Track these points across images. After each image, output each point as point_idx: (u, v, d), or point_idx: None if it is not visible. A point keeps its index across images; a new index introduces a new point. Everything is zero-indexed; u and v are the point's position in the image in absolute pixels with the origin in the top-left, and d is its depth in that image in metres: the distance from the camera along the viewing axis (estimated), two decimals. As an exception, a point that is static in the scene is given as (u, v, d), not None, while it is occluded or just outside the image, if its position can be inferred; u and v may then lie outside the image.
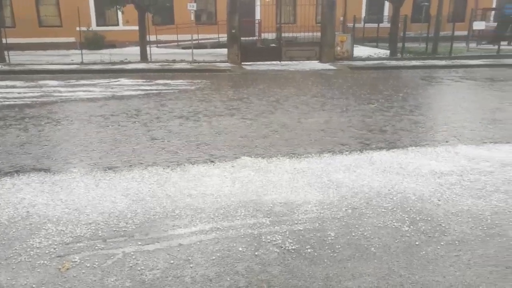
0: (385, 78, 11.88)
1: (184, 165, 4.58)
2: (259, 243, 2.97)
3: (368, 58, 15.93)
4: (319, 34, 15.44)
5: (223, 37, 17.44)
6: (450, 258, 2.78)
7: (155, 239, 3.03)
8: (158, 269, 2.67)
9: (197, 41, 19.25)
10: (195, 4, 14.54)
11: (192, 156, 4.90)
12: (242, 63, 14.75)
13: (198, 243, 2.97)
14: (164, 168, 4.46)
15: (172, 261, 2.75)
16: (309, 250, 2.87)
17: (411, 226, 3.20)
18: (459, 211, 3.46)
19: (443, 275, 2.60)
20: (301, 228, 3.17)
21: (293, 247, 2.91)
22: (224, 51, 15.73)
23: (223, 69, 13.46)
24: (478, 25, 18.05)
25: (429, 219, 3.32)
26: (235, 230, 3.14)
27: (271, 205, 3.56)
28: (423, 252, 2.85)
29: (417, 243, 2.97)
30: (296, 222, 3.27)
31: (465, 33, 18.92)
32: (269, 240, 3.00)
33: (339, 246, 2.92)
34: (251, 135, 5.80)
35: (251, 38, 20.24)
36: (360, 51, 17.82)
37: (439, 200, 3.66)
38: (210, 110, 7.42)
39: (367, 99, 8.46)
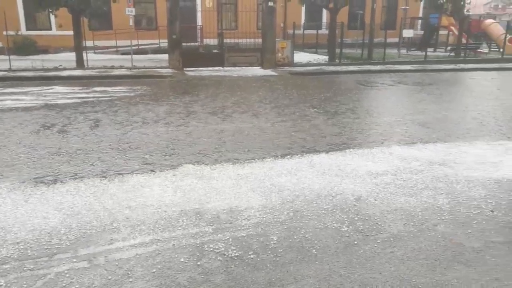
0: (325, 83, 12.29)
1: (123, 175, 4.41)
2: (201, 252, 2.92)
3: (308, 64, 16.41)
4: (260, 40, 15.66)
5: (164, 43, 17.09)
6: (386, 255, 2.91)
7: (91, 255, 2.87)
8: (94, 287, 2.53)
9: (137, 47, 18.73)
10: (133, 9, 14.15)
11: (132, 166, 4.73)
12: (184, 69, 14.57)
13: (138, 256, 2.87)
14: (101, 179, 4.27)
15: (110, 277, 2.63)
16: (252, 256, 2.88)
17: (350, 226, 3.32)
18: (394, 209, 3.64)
19: (380, 271, 2.71)
20: (244, 234, 3.17)
21: (236, 254, 2.90)
22: (166, 57, 15.44)
23: (164, 75, 13.20)
24: (407, 33, 19.30)
25: (366, 218, 3.46)
26: (177, 241, 3.07)
27: (214, 213, 3.52)
28: (361, 251, 2.96)
29: (355, 242, 3.08)
30: (239, 228, 3.26)
31: (396, 40, 20.11)
32: (211, 249, 2.96)
33: (282, 250, 2.95)
34: (194, 142, 5.72)
35: (193, 43, 20.08)
36: (301, 57, 18.31)
37: (375, 200, 3.83)
38: (151, 117, 7.23)
39: (308, 104, 8.69)
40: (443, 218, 3.48)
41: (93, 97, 9.30)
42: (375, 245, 3.04)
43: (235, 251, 2.93)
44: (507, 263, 2.82)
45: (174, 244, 3.01)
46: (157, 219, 3.39)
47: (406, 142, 5.78)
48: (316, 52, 20.43)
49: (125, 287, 2.53)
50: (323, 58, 17.99)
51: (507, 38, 20.20)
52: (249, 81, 12.43)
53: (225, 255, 2.89)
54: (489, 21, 24.03)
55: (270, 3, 15.10)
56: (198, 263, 2.79)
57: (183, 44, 14.96)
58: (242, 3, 16.37)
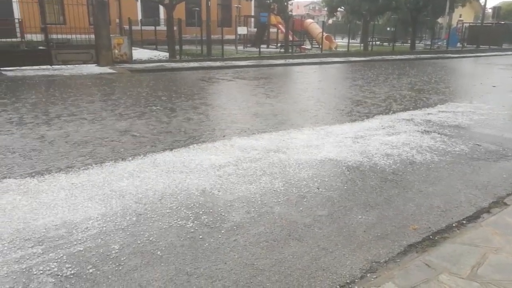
0: (166, 80, 12.13)
1: None
2: (29, 277, 2.55)
3: (149, 61, 15.96)
4: (94, 36, 14.52)
5: (-29, 39, 14.44)
6: (230, 244, 3.02)
7: None
8: None
9: None
10: None
11: None
12: (1, 68, 12.56)
13: None
14: None
15: None
16: (91, 271, 2.64)
17: (195, 221, 3.34)
18: (236, 198, 3.80)
19: (224, 261, 2.80)
20: (81, 249, 2.89)
21: (72, 272, 2.62)
22: (-26, 55, 13.05)
23: (-26, 77, 11.15)
24: (241, 30, 20.48)
25: (211, 211, 3.53)
26: (-4, 270, 2.61)
27: (44, 231, 3.12)
28: (207, 244, 3.01)
29: (201, 236, 3.11)
30: (75, 243, 2.96)
31: (233, 37, 21.14)
32: (42, 271, 2.62)
33: (124, 258, 2.79)
34: (12, 152, 4.97)
35: (11, 39, 17.43)
36: (140, 53, 17.70)
37: (219, 191, 3.95)
38: (-43, 128, 6.00)
39: (150, 102, 8.45)
40: (279, 200, 3.79)
41: None
42: (220, 236, 3.13)
43: (70, 269, 2.64)
44: (330, 233, 3.23)
45: (-9, 276, 2.56)
46: (-33, 250, 2.83)
47: (245, 133, 6.11)
48: (156, 49, 20.04)
49: None
50: (164, 54, 17.74)
51: (324, 36, 23.23)
52: (84, 80, 11.42)
53: (58, 275, 2.58)
54: (309, 20, 27.27)
55: (101, -3, 14.13)
56: (25, 291, 2.43)
57: (-3, 40, 12.87)
58: (68, -5, 14.83)
